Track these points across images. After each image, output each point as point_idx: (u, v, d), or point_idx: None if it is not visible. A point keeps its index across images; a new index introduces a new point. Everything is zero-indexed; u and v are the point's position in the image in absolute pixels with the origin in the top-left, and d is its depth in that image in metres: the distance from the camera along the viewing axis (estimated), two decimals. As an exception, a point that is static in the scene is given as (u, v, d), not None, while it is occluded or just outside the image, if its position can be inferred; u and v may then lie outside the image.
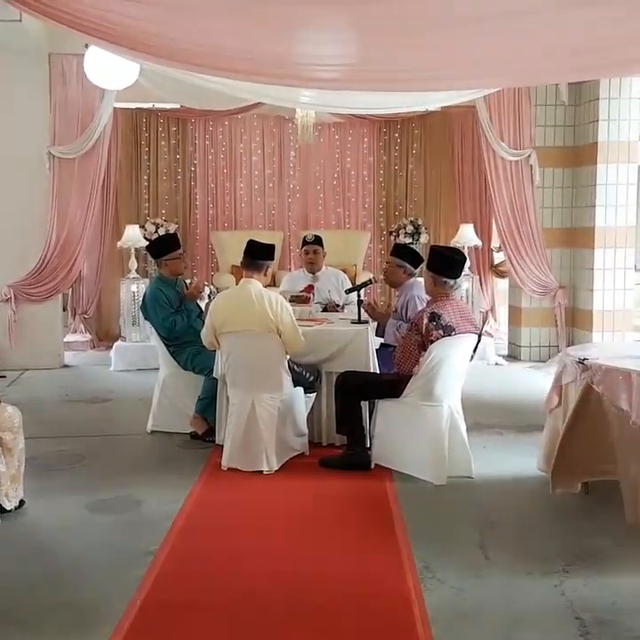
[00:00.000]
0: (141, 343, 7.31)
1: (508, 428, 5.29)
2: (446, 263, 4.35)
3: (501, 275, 8.63)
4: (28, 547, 3.49)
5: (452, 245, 7.41)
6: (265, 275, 4.66)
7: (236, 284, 5.25)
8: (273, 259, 4.86)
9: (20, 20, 6.03)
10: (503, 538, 3.57)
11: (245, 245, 4.67)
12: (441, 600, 2.97)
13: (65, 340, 7.85)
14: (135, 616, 2.84)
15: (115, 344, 7.50)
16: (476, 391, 5.95)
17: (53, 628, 2.79)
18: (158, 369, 5.32)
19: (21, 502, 3.82)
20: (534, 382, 6.74)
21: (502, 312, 8.91)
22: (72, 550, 3.44)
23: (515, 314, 8.05)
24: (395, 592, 3.03)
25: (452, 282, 4.33)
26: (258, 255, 4.64)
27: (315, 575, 3.19)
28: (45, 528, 3.69)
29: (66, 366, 7.45)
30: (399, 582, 3.11)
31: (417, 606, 2.91)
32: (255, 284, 4.52)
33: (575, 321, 7.70)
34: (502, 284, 8.89)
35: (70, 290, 8.09)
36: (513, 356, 7.91)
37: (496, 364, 7.56)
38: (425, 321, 4.23)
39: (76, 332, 8.34)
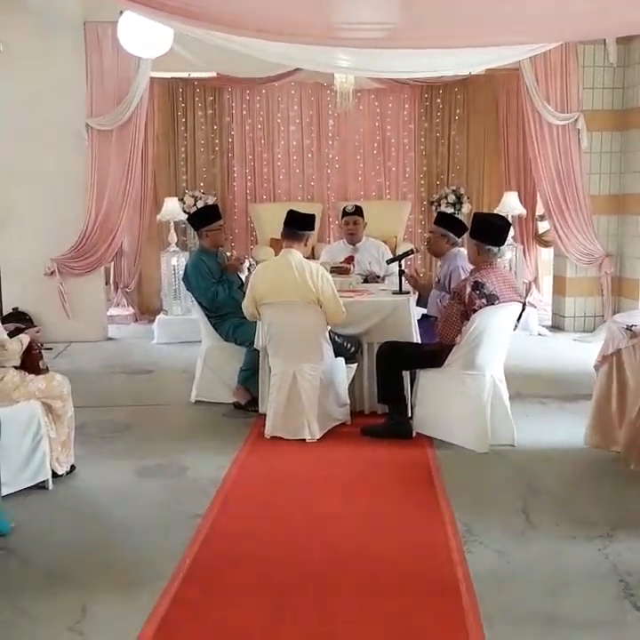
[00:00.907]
0: (183, 316, 7.40)
1: (551, 398, 5.24)
2: (490, 230, 4.29)
3: (546, 244, 8.48)
4: (79, 509, 3.59)
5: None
6: (305, 245, 4.65)
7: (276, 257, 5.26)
8: (313, 229, 4.84)
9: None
10: (546, 503, 3.56)
11: (285, 215, 4.66)
12: (484, 562, 2.99)
13: (108, 313, 7.98)
14: (183, 576, 2.91)
15: (157, 317, 7.58)
16: (519, 362, 5.90)
17: (105, 587, 2.87)
18: (200, 342, 5.38)
19: (72, 467, 3.94)
20: (578, 353, 6.64)
21: (546, 282, 8.77)
22: (122, 513, 3.53)
23: (559, 283, 7.91)
24: (438, 554, 3.06)
25: (495, 249, 4.27)
26: (298, 225, 4.62)
27: (358, 539, 3.23)
28: (96, 492, 3.79)
29: (110, 339, 7.57)
30: (442, 545, 3.13)
31: (460, 568, 2.93)
32: (295, 255, 4.52)
33: (622, 290, 7.55)
34: (546, 254, 8.74)
35: (112, 264, 8.20)
36: (557, 327, 7.80)
37: (539, 334, 7.46)
38: (468, 290, 4.20)
39: (118, 305, 8.47)
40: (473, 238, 4.31)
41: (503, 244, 4.35)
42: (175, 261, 7.59)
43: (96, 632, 2.56)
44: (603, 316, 7.49)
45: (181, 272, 6.11)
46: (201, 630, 2.59)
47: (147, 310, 8.51)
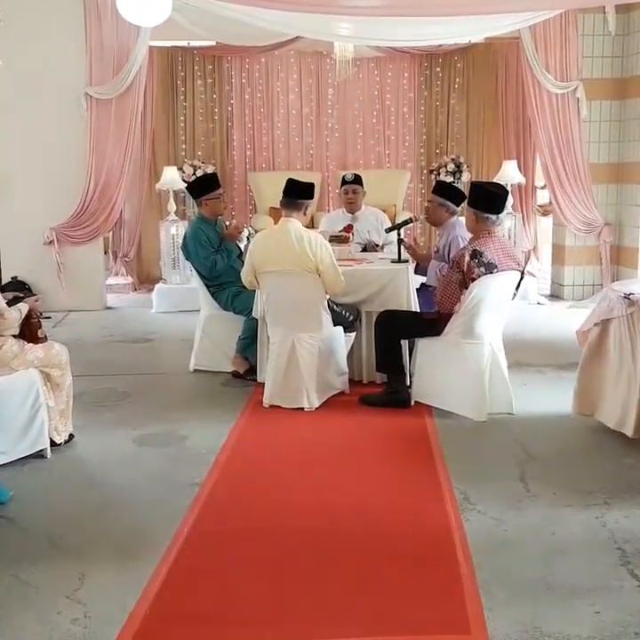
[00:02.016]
0: (182, 285, 7.40)
1: (550, 367, 5.26)
2: (488, 198, 4.26)
3: (545, 213, 8.44)
4: (77, 478, 3.61)
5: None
6: (304, 214, 4.61)
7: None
8: (312, 197, 4.79)
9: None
10: (544, 471, 3.58)
11: (285, 184, 4.62)
12: (481, 530, 3.01)
13: (107, 282, 7.96)
14: (181, 544, 2.93)
15: (156, 286, 7.58)
16: (518, 331, 5.92)
17: (103, 555, 2.88)
18: (199, 310, 5.37)
19: (71, 436, 3.94)
20: (576, 321, 6.61)
21: (545, 251, 8.75)
22: (120, 481, 3.55)
23: (558, 252, 7.89)
24: (435, 522, 3.08)
25: (494, 217, 4.25)
26: (297, 194, 4.58)
27: (356, 506, 3.25)
28: (94, 460, 3.81)
29: (109, 308, 7.57)
30: (440, 513, 3.15)
31: (457, 535, 2.95)
32: (294, 224, 4.49)
33: (620, 259, 7.53)
34: (546, 223, 8.70)
35: (111, 233, 8.16)
36: (556, 296, 7.80)
37: (538, 303, 7.47)
38: (466, 259, 4.18)
39: (117, 275, 8.48)
40: (471, 207, 4.29)
41: (501, 212, 4.32)
42: (174, 230, 7.56)
43: (94, 600, 2.58)
44: (601, 284, 7.48)
45: (180, 241, 6.08)
46: (198, 598, 2.61)
47: (146, 279, 8.50)
